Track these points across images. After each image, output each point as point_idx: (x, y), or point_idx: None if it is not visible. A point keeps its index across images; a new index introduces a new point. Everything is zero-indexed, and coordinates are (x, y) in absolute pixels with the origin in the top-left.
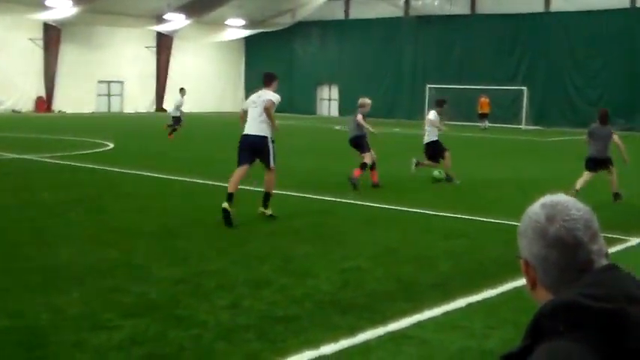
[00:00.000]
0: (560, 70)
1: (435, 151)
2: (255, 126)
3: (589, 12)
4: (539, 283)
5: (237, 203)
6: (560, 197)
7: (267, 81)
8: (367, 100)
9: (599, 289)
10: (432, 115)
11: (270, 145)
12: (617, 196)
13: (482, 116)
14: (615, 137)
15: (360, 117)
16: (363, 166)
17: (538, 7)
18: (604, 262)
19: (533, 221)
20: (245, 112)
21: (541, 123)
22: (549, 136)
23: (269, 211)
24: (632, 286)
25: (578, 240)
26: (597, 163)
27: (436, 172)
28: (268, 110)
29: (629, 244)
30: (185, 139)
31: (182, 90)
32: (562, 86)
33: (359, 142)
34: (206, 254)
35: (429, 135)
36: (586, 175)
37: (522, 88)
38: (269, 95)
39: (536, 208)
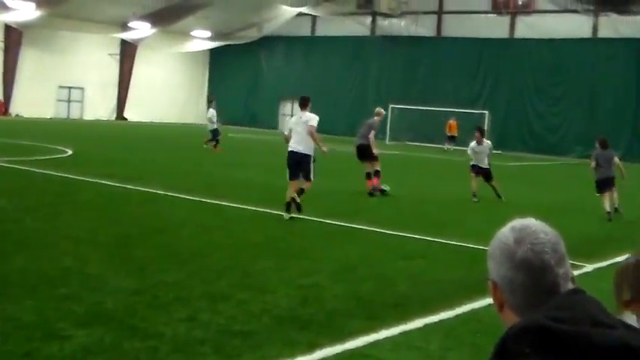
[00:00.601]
0: (522, 96)
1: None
2: (300, 145)
3: (552, 40)
4: (506, 305)
5: (197, 215)
6: (529, 221)
7: (303, 104)
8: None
9: (565, 312)
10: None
11: (312, 164)
12: (616, 210)
13: (451, 139)
14: (616, 160)
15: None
16: (377, 173)
17: (503, 32)
18: (570, 285)
19: (502, 243)
20: (289, 134)
21: (501, 147)
22: (508, 161)
23: (299, 199)
24: (596, 309)
25: (545, 263)
26: (606, 184)
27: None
28: (313, 135)
29: (584, 270)
30: (145, 149)
31: (211, 102)
32: (523, 112)
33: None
34: (164, 265)
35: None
36: (604, 197)
37: (484, 111)
38: (309, 117)
39: (505, 231)
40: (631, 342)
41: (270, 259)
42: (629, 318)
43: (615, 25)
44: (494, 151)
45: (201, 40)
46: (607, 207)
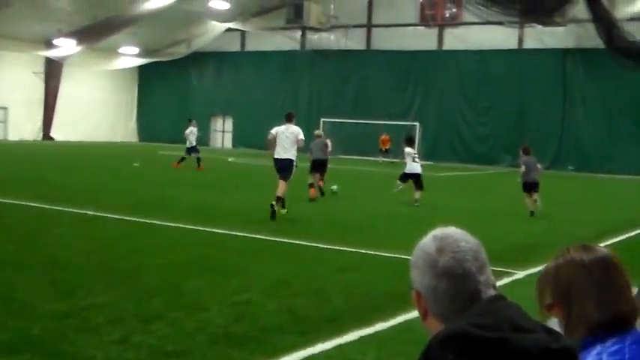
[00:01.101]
0: (452, 107)
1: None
2: (285, 152)
3: (479, 51)
4: (430, 313)
5: (129, 235)
6: (450, 230)
7: (289, 118)
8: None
9: (487, 319)
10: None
11: (294, 168)
12: (532, 214)
13: (386, 152)
14: (539, 165)
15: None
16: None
17: (431, 44)
18: (491, 292)
19: (425, 252)
20: (274, 138)
21: (433, 158)
22: (440, 172)
23: (284, 211)
24: (516, 315)
25: (466, 271)
26: (532, 187)
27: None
28: (300, 145)
29: (515, 277)
30: (74, 169)
31: (190, 121)
32: (453, 122)
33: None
34: (94, 288)
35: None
36: (527, 197)
37: (415, 123)
38: (295, 130)
39: (427, 241)
40: (550, 345)
41: (202, 277)
42: (553, 322)
43: (540, 36)
44: (427, 162)
45: (129, 57)
46: (530, 206)
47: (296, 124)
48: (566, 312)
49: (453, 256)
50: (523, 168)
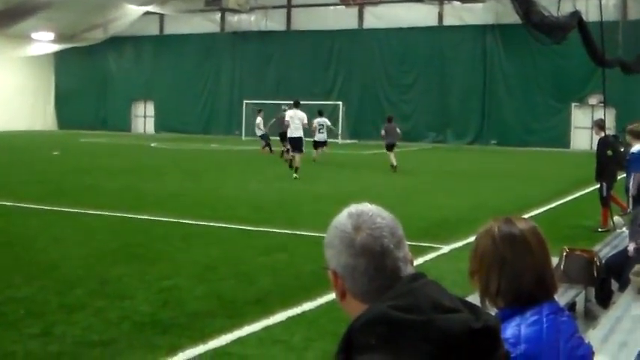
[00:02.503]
0: (375, 85)
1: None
2: (297, 132)
3: (400, 29)
4: (348, 294)
5: (49, 226)
6: (365, 207)
7: (296, 104)
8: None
9: (408, 300)
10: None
11: (303, 141)
12: (394, 168)
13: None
14: (398, 130)
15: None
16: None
17: (352, 24)
18: (410, 268)
19: (340, 231)
20: (283, 119)
21: (357, 137)
22: (365, 150)
23: (296, 175)
24: (438, 294)
25: (384, 247)
26: (391, 146)
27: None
28: (305, 126)
29: (441, 251)
30: None
31: (260, 111)
32: (376, 101)
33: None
34: (13, 280)
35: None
36: (391, 155)
37: (338, 102)
38: (301, 114)
39: (342, 218)
40: (473, 325)
41: (127, 264)
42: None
43: (459, 13)
44: (352, 141)
45: (44, 43)
46: (393, 161)
47: (219, 107)
48: (481, 282)
49: (371, 233)
50: (383, 132)
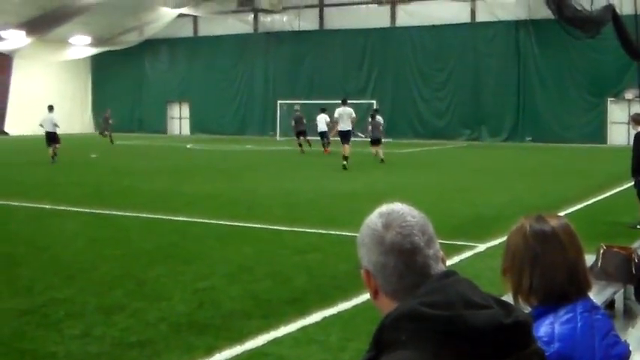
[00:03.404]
0: (408, 83)
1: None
2: (347, 126)
3: (433, 26)
4: (380, 292)
5: (86, 228)
6: (396, 206)
7: (344, 102)
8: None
9: (438, 296)
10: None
11: (351, 134)
12: (382, 160)
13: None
14: (381, 127)
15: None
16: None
17: (384, 22)
18: (441, 266)
19: (371, 230)
20: (337, 119)
21: (391, 135)
22: (399, 148)
23: (345, 163)
24: (468, 290)
25: (414, 245)
26: (376, 142)
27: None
28: (353, 122)
29: (477, 250)
30: (29, 163)
31: (324, 110)
32: (410, 99)
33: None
34: (53, 282)
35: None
36: (378, 150)
37: (372, 101)
38: (349, 110)
39: (373, 218)
40: (503, 320)
41: (163, 265)
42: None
43: (492, 9)
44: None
45: (80, 47)
46: (380, 155)
47: (253, 108)
48: (512, 279)
49: (400, 231)
50: (370, 127)
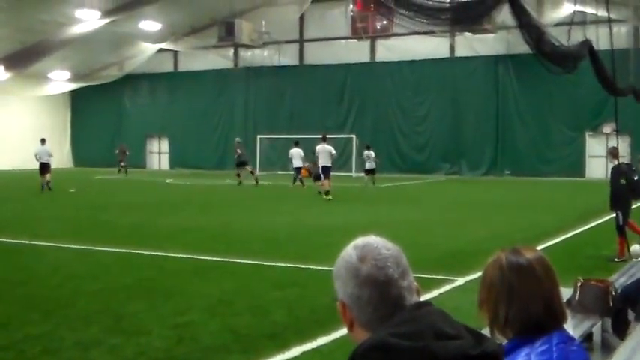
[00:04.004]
0: (388, 118)
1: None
2: (327, 162)
3: (412, 61)
4: (356, 323)
5: (64, 263)
6: (371, 238)
7: (324, 139)
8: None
9: (409, 327)
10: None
11: (330, 170)
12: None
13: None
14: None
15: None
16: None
17: (364, 56)
18: (415, 297)
19: (346, 262)
20: (318, 156)
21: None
22: (379, 183)
23: (329, 197)
24: (440, 321)
25: (389, 277)
26: (371, 172)
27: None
28: (333, 157)
29: (456, 283)
30: (6, 199)
31: (297, 144)
32: (390, 133)
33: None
34: (29, 318)
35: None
36: (369, 178)
37: (352, 136)
38: (329, 147)
39: (348, 250)
40: (470, 351)
41: (142, 300)
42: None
43: (471, 44)
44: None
45: (60, 82)
46: (370, 184)
47: (229, 143)
48: (489, 312)
49: (375, 263)
50: (365, 157)
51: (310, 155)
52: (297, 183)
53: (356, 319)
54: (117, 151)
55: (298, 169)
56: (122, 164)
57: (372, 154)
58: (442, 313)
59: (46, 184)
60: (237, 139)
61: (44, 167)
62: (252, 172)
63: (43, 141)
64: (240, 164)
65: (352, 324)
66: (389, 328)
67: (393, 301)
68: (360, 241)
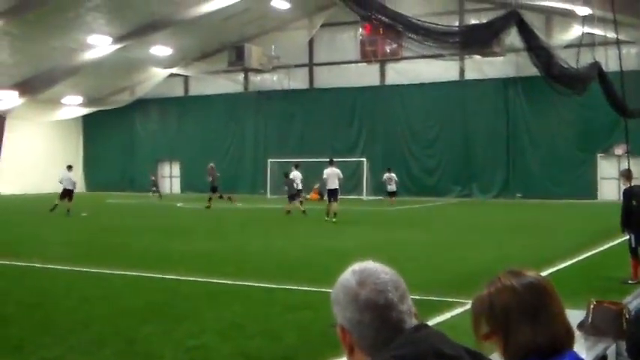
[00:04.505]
0: (398, 141)
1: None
2: (334, 185)
3: (421, 84)
4: (356, 348)
5: (76, 286)
6: (369, 264)
7: (332, 162)
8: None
9: (410, 349)
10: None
11: (338, 192)
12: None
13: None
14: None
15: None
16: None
17: (374, 80)
18: (414, 321)
19: (345, 287)
20: (326, 178)
21: (381, 193)
22: (389, 205)
23: (335, 219)
24: (440, 342)
25: (389, 301)
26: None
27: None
28: (340, 180)
29: (467, 307)
30: (19, 222)
31: (297, 166)
32: (400, 156)
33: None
34: (43, 341)
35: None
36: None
37: (362, 159)
38: (337, 170)
39: (347, 275)
40: None
41: (154, 323)
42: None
43: (480, 67)
44: (377, 197)
45: (72, 107)
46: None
47: (244, 166)
48: (504, 339)
49: (375, 288)
50: (387, 180)
51: (311, 178)
52: (297, 204)
53: (356, 344)
54: (152, 178)
55: (299, 192)
56: (154, 189)
57: (394, 176)
58: (441, 335)
59: (66, 209)
60: (211, 164)
61: (65, 192)
62: (222, 197)
63: (69, 167)
64: (214, 189)
65: (352, 349)
66: (391, 350)
67: (393, 324)
68: (357, 266)
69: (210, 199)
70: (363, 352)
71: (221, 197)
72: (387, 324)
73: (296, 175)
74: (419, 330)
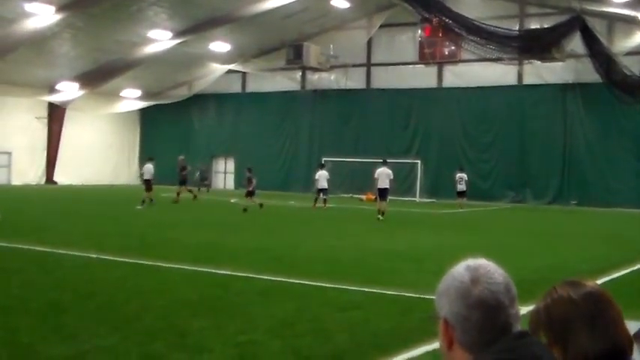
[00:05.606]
0: (453, 144)
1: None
2: (385, 184)
3: (479, 88)
4: (456, 344)
5: (131, 277)
6: (483, 261)
7: (384, 162)
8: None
9: (510, 355)
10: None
11: (388, 192)
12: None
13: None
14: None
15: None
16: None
17: (431, 82)
18: (519, 327)
19: (458, 281)
20: (377, 178)
21: (435, 195)
22: (442, 209)
23: (382, 217)
24: (541, 352)
25: (500, 302)
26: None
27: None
28: (392, 180)
29: (521, 313)
30: (77, 213)
31: (323, 166)
32: (455, 159)
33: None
34: (97, 330)
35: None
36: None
37: (416, 161)
38: (388, 171)
39: (460, 269)
40: None
41: (206, 318)
42: None
43: (539, 72)
44: (430, 200)
45: (130, 100)
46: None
47: (298, 164)
48: (563, 350)
49: (488, 287)
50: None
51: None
52: (320, 204)
53: (457, 340)
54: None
55: (324, 191)
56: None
57: (465, 176)
58: (542, 345)
59: (148, 199)
60: (181, 156)
61: (148, 184)
62: (190, 191)
63: (150, 159)
64: (183, 182)
65: (451, 343)
66: (493, 354)
67: (500, 327)
68: (471, 262)
69: (178, 193)
70: (462, 348)
71: (190, 191)
72: (494, 325)
73: (322, 174)
74: (522, 337)
